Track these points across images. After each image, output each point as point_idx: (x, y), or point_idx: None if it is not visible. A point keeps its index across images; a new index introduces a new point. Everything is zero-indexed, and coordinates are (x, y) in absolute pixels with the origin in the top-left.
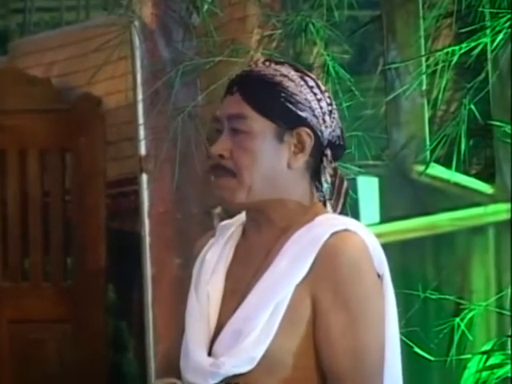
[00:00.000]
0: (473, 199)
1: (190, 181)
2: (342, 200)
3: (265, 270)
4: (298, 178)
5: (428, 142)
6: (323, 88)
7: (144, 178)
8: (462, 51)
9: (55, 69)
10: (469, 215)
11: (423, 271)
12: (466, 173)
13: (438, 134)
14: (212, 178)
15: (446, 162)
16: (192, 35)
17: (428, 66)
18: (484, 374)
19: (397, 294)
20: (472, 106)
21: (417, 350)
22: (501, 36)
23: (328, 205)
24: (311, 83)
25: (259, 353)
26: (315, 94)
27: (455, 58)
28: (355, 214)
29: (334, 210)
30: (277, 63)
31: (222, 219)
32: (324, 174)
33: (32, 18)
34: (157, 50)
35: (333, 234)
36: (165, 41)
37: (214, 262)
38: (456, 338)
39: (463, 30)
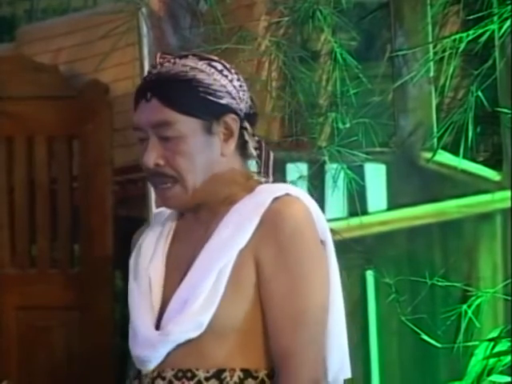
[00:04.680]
0: (480, 186)
1: None
2: (270, 170)
3: (206, 241)
4: (230, 160)
5: (435, 129)
6: (228, 66)
7: None
8: (470, 38)
9: (62, 55)
10: (476, 202)
11: (430, 258)
12: (474, 160)
13: (446, 121)
14: (155, 187)
15: (453, 149)
16: (199, 22)
17: (435, 53)
18: (491, 360)
19: (404, 281)
20: (479, 93)
21: (424, 336)
22: (508, 23)
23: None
24: (220, 67)
25: (206, 317)
26: (226, 77)
27: (462, 45)
28: (362, 201)
29: (266, 182)
30: (181, 57)
31: None
32: (248, 147)
33: (39, 5)
34: (164, 36)
35: (275, 199)
36: (172, 28)
37: (152, 248)
38: (463, 324)
39: (471, 17)
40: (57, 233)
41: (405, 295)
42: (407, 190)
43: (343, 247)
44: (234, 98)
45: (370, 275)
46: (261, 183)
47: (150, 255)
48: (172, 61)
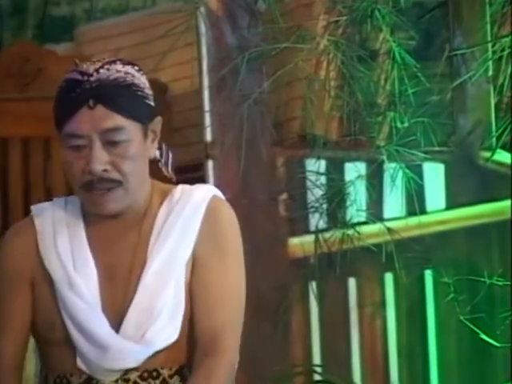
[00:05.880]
0: None
1: (255, 167)
2: (170, 169)
3: (144, 249)
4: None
5: (494, 128)
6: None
7: (210, 164)
8: None
9: (121, 55)
10: None
11: (489, 258)
12: None
13: (505, 120)
14: (89, 193)
15: None
16: (258, 21)
17: (494, 52)
18: None
19: (463, 281)
20: None
21: (483, 336)
22: None
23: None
24: (138, 68)
25: (179, 321)
26: (145, 78)
27: None
28: (421, 201)
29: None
30: (110, 63)
31: (288, 205)
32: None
33: (99, 5)
34: (223, 36)
35: (209, 202)
36: (231, 27)
37: (69, 255)
38: None
39: None
40: None
41: (463, 295)
42: (466, 189)
43: (402, 246)
44: (154, 99)
45: (428, 274)
46: (167, 185)
47: (71, 259)
48: (106, 67)
